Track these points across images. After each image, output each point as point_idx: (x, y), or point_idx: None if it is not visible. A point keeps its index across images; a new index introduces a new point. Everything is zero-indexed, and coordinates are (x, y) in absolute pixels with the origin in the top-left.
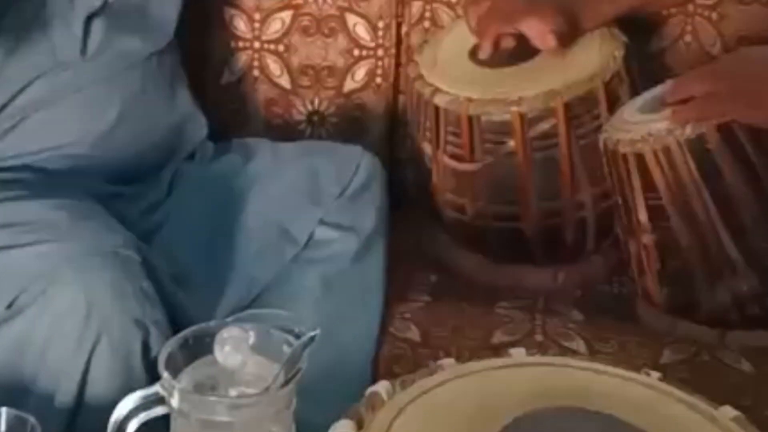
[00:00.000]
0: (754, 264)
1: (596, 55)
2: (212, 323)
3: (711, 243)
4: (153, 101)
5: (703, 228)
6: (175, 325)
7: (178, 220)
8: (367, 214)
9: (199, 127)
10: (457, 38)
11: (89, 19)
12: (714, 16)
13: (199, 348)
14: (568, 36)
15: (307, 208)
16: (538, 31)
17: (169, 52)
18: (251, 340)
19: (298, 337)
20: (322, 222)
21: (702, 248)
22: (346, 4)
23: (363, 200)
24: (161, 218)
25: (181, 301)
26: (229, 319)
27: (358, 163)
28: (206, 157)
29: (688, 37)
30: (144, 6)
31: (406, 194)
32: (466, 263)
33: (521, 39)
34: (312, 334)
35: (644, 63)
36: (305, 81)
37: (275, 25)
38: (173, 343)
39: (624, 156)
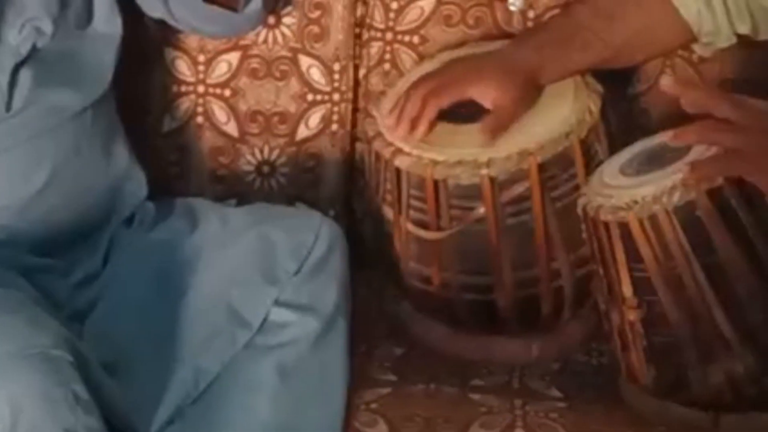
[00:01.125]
0: (750, 341)
1: (570, 109)
2: None
3: (702, 319)
4: (87, 160)
5: (693, 302)
6: (112, 428)
7: (114, 298)
8: (328, 292)
9: (139, 187)
10: None
11: (15, 69)
12: (695, 57)
13: None
14: (525, 96)
15: (260, 287)
16: (489, 99)
17: (106, 102)
18: None
19: None
20: (277, 302)
21: (693, 324)
22: (298, 45)
23: (323, 276)
24: (96, 294)
25: (118, 400)
26: None
27: (317, 233)
28: (146, 222)
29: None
30: (77, 52)
31: (366, 252)
32: (432, 334)
33: None
34: None
35: (620, 107)
36: (254, 128)
37: (221, 68)
38: None
39: (606, 224)
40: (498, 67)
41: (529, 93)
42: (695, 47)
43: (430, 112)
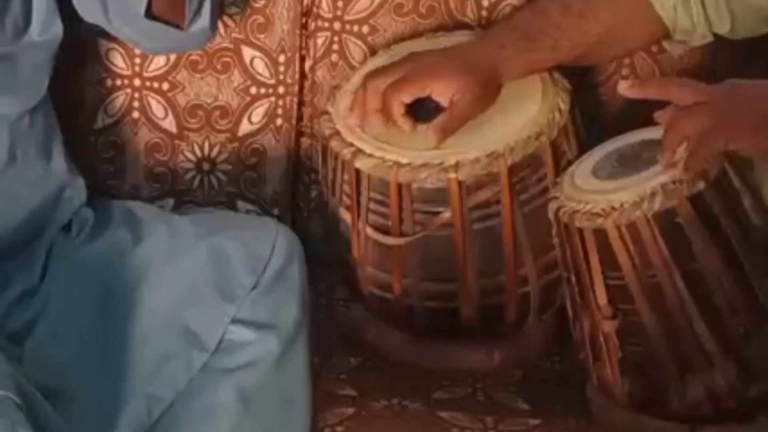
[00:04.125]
0: (732, 353)
1: (539, 108)
2: None
3: (682, 329)
4: (24, 170)
5: (672, 312)
6: None
7: (55, 317)
8: (288, 306)
9: (78, 191)
10: None
11: None
12: (654, 48)
13: None
14: (485, 96)
15: (215, 304)
16: (448, 97)
17: (43, 105)
18: None
19: None
20: (234, 320)
21: (671, 335)
22: (241, 36)
23: (282, 289)
24: (34, 314)
25: None
26: None
27: (274, 243)
28: (86, 229)
29: (625, 71)
30: (12, 55)
31: (313, 253)
32: (388, 341)
33: None
34: None
35: (577, 99)
36: (194, 124)
37: (158, 60)
38: None
39: (580, 231)
40: (460, 64)
41: (490, 92)
42: (665, 44)
43: (397, 108)
